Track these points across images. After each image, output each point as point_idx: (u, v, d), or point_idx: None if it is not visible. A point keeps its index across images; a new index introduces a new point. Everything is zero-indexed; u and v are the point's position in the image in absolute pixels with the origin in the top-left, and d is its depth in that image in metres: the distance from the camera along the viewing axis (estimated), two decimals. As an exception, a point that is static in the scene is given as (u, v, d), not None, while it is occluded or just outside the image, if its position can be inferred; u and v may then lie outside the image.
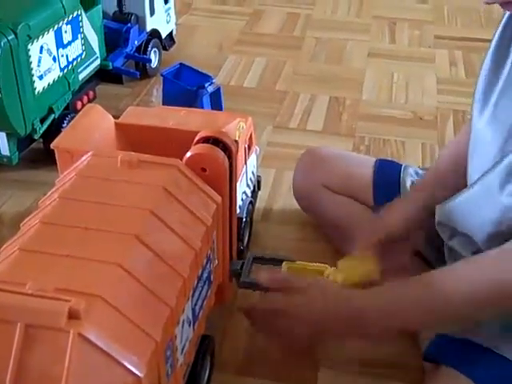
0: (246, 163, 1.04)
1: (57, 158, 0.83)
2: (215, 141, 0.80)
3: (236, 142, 0.84)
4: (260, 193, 1.18)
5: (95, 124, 0.88)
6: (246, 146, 1.03)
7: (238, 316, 0.97)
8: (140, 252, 0.65)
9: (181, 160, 0.78)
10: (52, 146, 0.84)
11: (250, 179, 1.09)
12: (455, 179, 0.91)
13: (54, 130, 1.27)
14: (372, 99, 1.58)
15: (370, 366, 0.91)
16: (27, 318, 0.55)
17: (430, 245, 1.00)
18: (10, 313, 0.55)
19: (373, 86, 1.63)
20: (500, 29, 0.84)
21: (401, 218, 0.94)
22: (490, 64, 0.84)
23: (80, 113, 0.89)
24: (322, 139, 1.41)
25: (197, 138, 0.81)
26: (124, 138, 0.90)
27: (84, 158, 0.78)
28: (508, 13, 0.81)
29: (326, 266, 0.86)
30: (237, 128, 0.96)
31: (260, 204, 1.19)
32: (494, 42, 0.84)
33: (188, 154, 0.78)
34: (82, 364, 0.54)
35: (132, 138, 0.89)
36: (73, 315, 0.54)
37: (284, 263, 0.87)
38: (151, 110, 1.02)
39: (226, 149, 0.80)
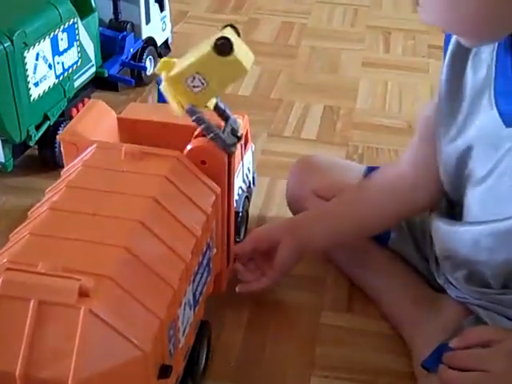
0: (242, 159, 1.06)
1: (62, 150, 0.86)
2: None
3: None
4: (254, 200, 1.19)
5: (99, 118, 0.91)
6: (243, 142, 1.05)
7: (231, 326, 0.97)
8: (144, 236, 0.68)
9: (181, 153, 0.80)
10: (58, 138, 0.87)
11: (246, 175, 1.11)
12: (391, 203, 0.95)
13: (49, 136, 1.28)
14: (366, 108, 1.59)
15: (362, 373, 0.92)
16: (40, 295, 0.58)
17: (419, 254, 1.01)
18: (24, 290, 0.58)
19: (367, 95, 1.64)
20: (448, 58, 0.81)
21: (325, 237, 0.98)
22: (445, 94, 0.82)
23: (84, 108, 0.92)
24: (316, 148, 1.42)
25: (196, 132, 0.83)
26: (126, 132, 0.93)
27: (89, 149, 0.80)
28: (454, 40, 0.79)
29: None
30: None
31: (254, 212, 1.20)
32: (444, 70, 0.82)
33: (188, 147, 0.81)
34: (92, 339, 0.57)
35: (134, 132, 0.92)
36: (83, 293, 0.58)
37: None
38: (152, 106, 1.05)
39: None
